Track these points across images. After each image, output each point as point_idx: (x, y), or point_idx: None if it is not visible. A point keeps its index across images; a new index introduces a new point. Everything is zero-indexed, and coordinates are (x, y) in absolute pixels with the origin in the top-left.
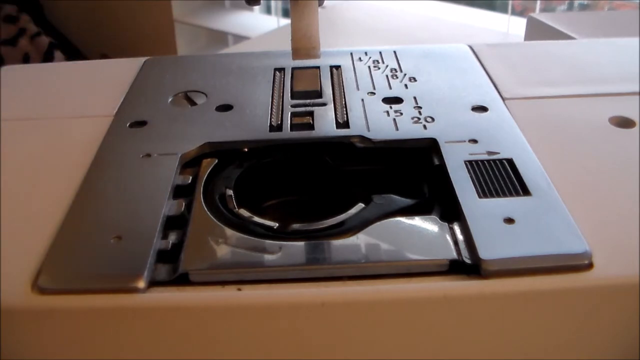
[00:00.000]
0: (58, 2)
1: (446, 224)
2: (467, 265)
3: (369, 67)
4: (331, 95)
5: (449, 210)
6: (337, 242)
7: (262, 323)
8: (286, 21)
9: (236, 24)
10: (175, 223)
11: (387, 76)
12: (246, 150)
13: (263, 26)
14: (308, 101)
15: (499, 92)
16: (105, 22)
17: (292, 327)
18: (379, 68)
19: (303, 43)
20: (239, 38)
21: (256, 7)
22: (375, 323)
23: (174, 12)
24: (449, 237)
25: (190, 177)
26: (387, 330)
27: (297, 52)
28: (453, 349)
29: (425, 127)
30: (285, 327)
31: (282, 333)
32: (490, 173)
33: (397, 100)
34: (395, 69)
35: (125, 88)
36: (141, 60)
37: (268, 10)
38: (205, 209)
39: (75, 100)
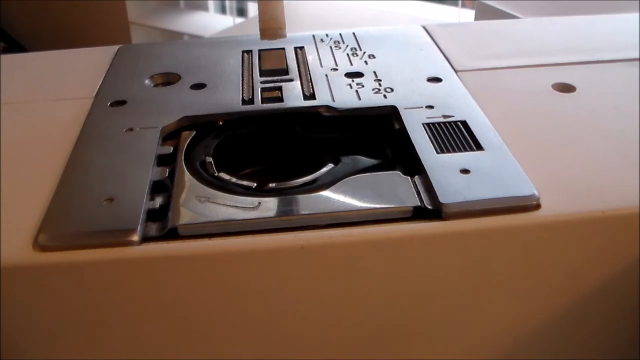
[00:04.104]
0: (10, 6)
1: (408, 177)
2: (429, 211)
3: (330, 47)
4: (297, 72)
5: (411, 166)
6: (311, 195)
7: (248, 267)
8: (241, 20)
9: (192, 24)
10: (161, 187)
11: (347, 55)
12: (221, 123)
13: (218, 26)
14: (276, 78)
15: (451, 65)
16: (59, 25)
17: (275, 269)
18: (340, 48)
19: (270, 24)
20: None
21: (211, 7)
22: (350, 264)
23: (129, 14)
24: (411, 188)
25: (172, 148)
26: (360, 270)
27: (264, 33)
28: (421, 284)
29: (385, 96)
30: (269, 270)
31: (266, 275)
32: (447, 133)
33: (359, 74)
34: (355, 48)
35: (102, 73)
36: (115, 48)
37: (223, 10)
38: (188, 173)
39: (54, 84)
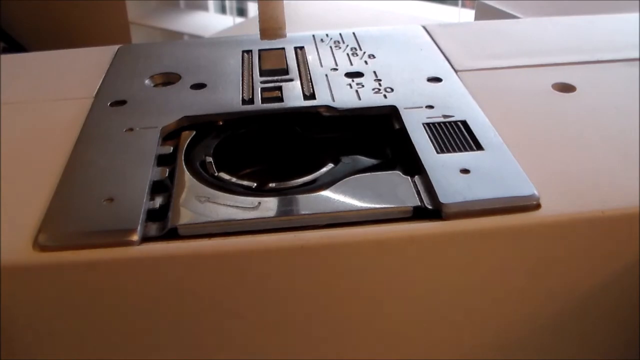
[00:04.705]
0: (10, 6)
1: (408, 177)
2: (429, 211)
3: (330, 47)
4: (297, 72)
5: (411, 166)
6: (311, 195)
7: (248, 267)
8: (241, 20)
9: (192, 24)
10: (161, 187)
11: (347, 54)
12: (221, 123)
13: (218, 26)
14: (276, 78)
15: (451, 65)
16: (59, 25)
17: (275, 269)
18: (340, 48)
19: (270, 24)
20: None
21: (211, 7)
22: (350, 264)
23: (129, 14)
24: (411, 188)
25: (172, 148)
26: (360, 270)
27: (264, 33)
28: (421, 284)
29: (385, 96)
30: (269, 270)
31: (266, 275)
32: (447, 133)
33: (359, 74)
34: (355, 48)
35: (102, 73)
36: (114, 48)
37: (223, 10)
38: (188, 173)
39: (54, 84)
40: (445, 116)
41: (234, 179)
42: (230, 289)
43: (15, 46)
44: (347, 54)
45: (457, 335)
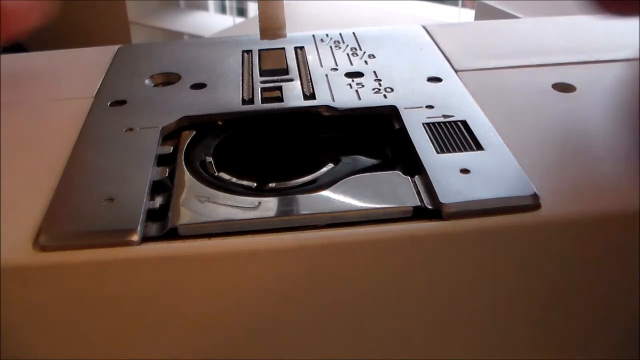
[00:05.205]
0: None
1: (408, 177)
2: (429, 211)
3: (330, 47)
4: (297, 72)
5: (411, 166)
6: (311, 195)
7: (248, 267)
8: (241, 20)
9: (192, 24)
10: (161, 187)
11: (347, 54)
12: (221, 122)
13: (218, 26)
14: (276, 78)
15: (451, 65)
16: (59, 25)
17: (274, 269)
18: (340, 48)
19: (270, 23)
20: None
21: (211, 7)
22: (350, 264)
23: (129, 14)
24: (411, 188)
25: (172, 148)
26: (361, 270)
27: (264, 32)
28: (421, 284)
29: (385, 96)
30: (268, 270)
31: (266, 276)
32: (447, 133)
33: (359, 74)
34: (355, 48)
35: (102, 73)
36: (114, 48)
37: (223, 10)
38: (188, 173)
39: (54, 84)
40: (445, 116)
41: (234, 179)
42: (230, 289)
43: (15, 46)
44: (347, 54)
45: (457, 335)
